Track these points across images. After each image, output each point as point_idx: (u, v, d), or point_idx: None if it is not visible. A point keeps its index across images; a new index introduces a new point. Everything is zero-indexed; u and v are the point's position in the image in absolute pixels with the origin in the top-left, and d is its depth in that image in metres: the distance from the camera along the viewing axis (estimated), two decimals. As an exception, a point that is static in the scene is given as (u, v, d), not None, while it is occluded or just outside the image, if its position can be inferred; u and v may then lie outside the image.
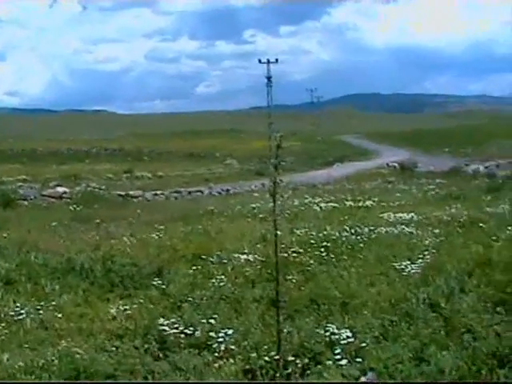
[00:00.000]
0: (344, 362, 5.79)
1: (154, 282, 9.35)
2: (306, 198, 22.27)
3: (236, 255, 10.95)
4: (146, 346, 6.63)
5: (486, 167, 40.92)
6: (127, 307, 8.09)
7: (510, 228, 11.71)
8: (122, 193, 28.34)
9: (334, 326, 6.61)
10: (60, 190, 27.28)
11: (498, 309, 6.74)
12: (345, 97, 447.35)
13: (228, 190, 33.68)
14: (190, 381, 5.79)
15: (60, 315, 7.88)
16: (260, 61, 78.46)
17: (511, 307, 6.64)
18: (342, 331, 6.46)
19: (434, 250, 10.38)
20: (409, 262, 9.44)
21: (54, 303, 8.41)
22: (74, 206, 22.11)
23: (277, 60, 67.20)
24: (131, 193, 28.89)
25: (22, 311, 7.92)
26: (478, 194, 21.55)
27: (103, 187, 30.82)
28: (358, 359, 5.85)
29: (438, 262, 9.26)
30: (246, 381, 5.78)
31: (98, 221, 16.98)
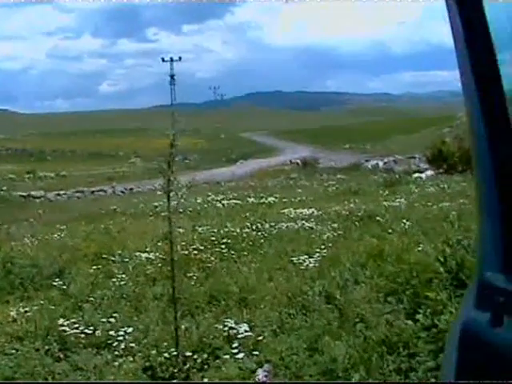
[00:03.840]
0: (241, 355, 5.92)
1: (55, 283, 9.24)
2: (209, 196, 22.33)
3: (138, 254, 10.93)
4: (46, 347, 6.58)
5: (385, 163, 42.03)
6: (27, 309, 7.96)
7: (404, 221, 12.11)
8: (24, 193, 27.77)
9: (232, 321, 6.75)
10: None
11: (389, 298, 6.99)
12: (248, 95, 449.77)
13: (131, 189, 33.45)
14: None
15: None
16: (163, 59, 77.98)
17: (401, 296, 6.91)
18: (240, 325, 6.60)
19: (331, 244, 10.66)
20: (307, 256, 9.66)
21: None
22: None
23: (180, 58, 67.37)
24: (33, 193, 28.36)
25: None
26: (376, 189, 22.08)
27: (4, 188, 30.04)
28: (255, 352, 6.00)
29: (335, 255, 9.54)
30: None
31: (-2, 222, 16.58)
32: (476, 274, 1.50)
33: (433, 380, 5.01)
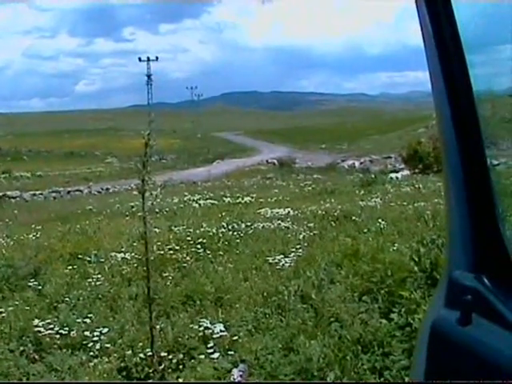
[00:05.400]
0: (216, 355, 5.93)
1: (30, 284, 9.19)
2: (186, 196, 22.31)
3: (113, 254, 10.90)
4: (21, 348, 6.56)
5: (361, 163, 42.30)
6: (2, 310, 7.90)
7: (380, 220, 12.17)
8: (-1, 193, 27.56)
9: (207, 321, 6.75)
10: None
11: (364, 298, 7.02)
12: (224, 95, 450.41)
13: (108, 189, 33.35)
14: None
15: None
16: (140, 59, 77.61)
17: (376, 296, 6.95)
18: (216, 325, 6.61)
19: (306, 244, 10.69)
20: (282, 256, 9.68)
21: None
22: None
23: (157, 58, 67.12)
24: (9, 193, 28.21)
25: None
26: (353, 189, 22.17)
27: (-21, 188, 29.83)
28: (231, 352, 6.01)
29: (310, 255, 9.56)
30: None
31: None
32: (445, 273, 1.52)
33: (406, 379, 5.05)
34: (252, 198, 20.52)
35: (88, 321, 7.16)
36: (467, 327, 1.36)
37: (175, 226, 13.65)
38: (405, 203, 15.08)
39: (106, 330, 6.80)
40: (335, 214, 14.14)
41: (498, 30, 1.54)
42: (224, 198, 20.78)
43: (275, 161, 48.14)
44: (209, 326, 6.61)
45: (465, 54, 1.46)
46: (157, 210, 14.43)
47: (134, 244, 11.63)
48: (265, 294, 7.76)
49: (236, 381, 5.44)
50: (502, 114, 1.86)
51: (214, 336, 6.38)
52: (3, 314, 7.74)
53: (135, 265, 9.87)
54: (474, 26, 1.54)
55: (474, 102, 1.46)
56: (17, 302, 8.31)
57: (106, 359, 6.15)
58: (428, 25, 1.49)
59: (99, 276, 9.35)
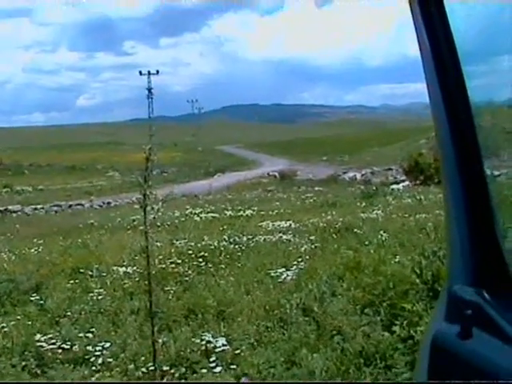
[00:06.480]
0: (219, 369, 5.91)
1: (32, 298, 9.17)
2: (187, 209, 22.29)
3: (115, 268, 10.88)
4: (23, 363, 6.54)
5: (363, 175, 42.27)
6: (4, 324, 7.88)
7: (381, 232, 12.15)
8: (1, 208, 27.60)
9: (209, 335, 6.73)
10: None
11: (366, 310, 7.01)
12: (225, 108, 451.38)
13: (109, 203, 33.35)
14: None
15: None
16: (141, 72, 77.79)
17: (378, 308, 6.93)
18: (218, 339, 6.59)
19: (308, 257, 10.67)
20: (284, 269, 9.67)
21: None
22: None
23: (157, 72, 67.16)
24: (10, 207, 28.25)
25: None
26: (354, 201, 22.14)
27: (-20, 203, 29.87)
28: (233, 366, 6.00)
29: (312, 268, 9.54)
30: None
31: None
32: (445, 287, 1.52)
33: None
34: (253, 210, 20.50)
35: (90, 335, 7.14)
36: (468, 341, 1.36)
37: (177, 240, 13.63)
38: (406, 215, 15.06)
39: (108, 344, 6.79)
40: (337, 226, 14.12)
41: (495, 41, 1.55)
42: (225, 211, 20.76)
43: (276, 173, 48.13)
44: (211, 339, 6.60)
45: (461, 66, 1.46)
46: (158, 224, 14.40)
47: (136, 258, 11.62)
48: (267, 307, 7.74)
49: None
50: (502, 124, 1.87)
51: (217, 350, 6.37)
52: (5, 329, 7.72)
53: (137, 279, 9.86)
54: (471, 38, 1.55)
55: (472, 113, 1.46)
56: (19, 317, 8.29)
57: (108, 374, 6.13)
58: (424, 37, 1.50)
59: (101, 290, 9.34)
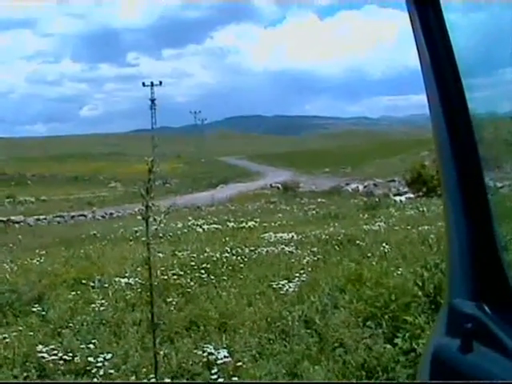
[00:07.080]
0: (220, 381, 5.89)
1: (34, 309, 9.14)
2: (190, 220, 22.29)
3: (117, 279, 10.86)
4: (25, 374, 6.55)
5: (365, 186, 42.28)
6: (6, 335, 7.85)
7: (384, 244, 12.13)
8: (4, 218, 27.63)
9: (211, 347, 6.71)
10: None
11: (368, 323, 6.99)
12: (228, 119, 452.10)
13: (112, 214, 33.39)
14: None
15: None
16: (144, 84, 77.99)
17: (380, 321, 6.91)
18: (220, 351, 6.57)
19: (310, 269, 10.65)
20: (286, 281, 9.64)
21: None
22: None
23: (161, 83, 67.34)
24: (13, 218, 28.30)
25: None
26: (356, 213, 22.13)
27: (-17, 213, 29.93)
28: (235, 378, 5.98)
29: (314, 280, 9.52)
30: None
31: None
32: (445, 301, 1.52)
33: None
34: (256, 222, 20.47)
35: (92, 346, 7.12)
36: (468, 355, 1.35)
37: (179, 251, 13.62)
38: (409, 227, 15.05)
39: (109, 355, 6.76)
40: (339, 238, 14.11)
41: (495, 53, 1.55)
42: (228, 223, 20.74)
43: (279, 185, 48.18)
44: (213, 351, 6.57)
45: (462, 78, 1.47)
46: (160, 235, 14.42)
47: (138, 269, 11.60)
48: (269, 319, 7.72)
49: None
50: (505, 136, 1.87)
51: (218, 362, 6.34)
52: (7, 340, 7.70)
53: (139, 290, 9.84)
54: (471, 50, 1.55)
55: (472, 125, 1.46)
56: (20, 328, 8.28)
57: (110, 385, 6.12)
58: (425, 50, 1.50)
59: (103, 301, 9.32)
